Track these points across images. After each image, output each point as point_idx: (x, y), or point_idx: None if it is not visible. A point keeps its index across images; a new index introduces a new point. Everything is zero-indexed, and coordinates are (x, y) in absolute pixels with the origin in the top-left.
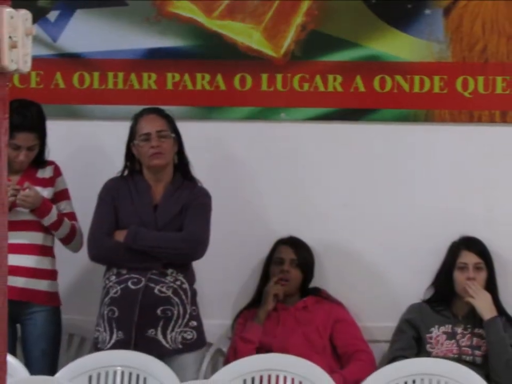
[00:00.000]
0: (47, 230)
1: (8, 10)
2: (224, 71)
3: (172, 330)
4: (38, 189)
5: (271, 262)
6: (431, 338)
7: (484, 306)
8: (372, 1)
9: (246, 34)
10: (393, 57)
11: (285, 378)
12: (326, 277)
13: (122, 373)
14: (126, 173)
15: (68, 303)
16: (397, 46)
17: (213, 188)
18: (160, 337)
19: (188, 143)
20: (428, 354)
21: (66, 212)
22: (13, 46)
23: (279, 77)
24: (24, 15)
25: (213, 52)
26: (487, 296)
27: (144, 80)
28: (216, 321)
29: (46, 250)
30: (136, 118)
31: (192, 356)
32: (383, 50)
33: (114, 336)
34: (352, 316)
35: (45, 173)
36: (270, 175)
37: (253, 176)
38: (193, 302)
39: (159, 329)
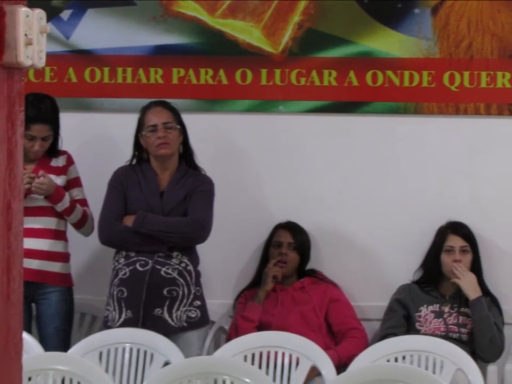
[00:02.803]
0: (60, 216)
1: (23, 9)
2: (226, 67)
3: (177, 309)
4: (52, 177)
5: (270, 245)
6: (420, 317)
7: (470, 287)
8: (364, 1)
9: (246, 32)
10: (385, 54)
11: (283, 354)
12: (321, 259)
13: (131, 349)
14: (134, 162)
15: (80, 284)
16: (388, 43)
17: (215, 175)
18: (166, 315)
19: (192, 134)
20: (417, 332)
21: (78, 199)
22: (28, 43)
23: (277, 72)
24: (39, 14)
25: (216, 49)
26: (473, 277)
27: (151, 75)
28: (219, 301)
29: (59, 235)
30: (144, 111)
31: (196, 334)
32: (375, 47)
33: (123, 315)
34: (346, 295)
35: (58, 162)
36: (269, 164)
37: (253, 165)
38: (197, 283)
39: (165, 308)
